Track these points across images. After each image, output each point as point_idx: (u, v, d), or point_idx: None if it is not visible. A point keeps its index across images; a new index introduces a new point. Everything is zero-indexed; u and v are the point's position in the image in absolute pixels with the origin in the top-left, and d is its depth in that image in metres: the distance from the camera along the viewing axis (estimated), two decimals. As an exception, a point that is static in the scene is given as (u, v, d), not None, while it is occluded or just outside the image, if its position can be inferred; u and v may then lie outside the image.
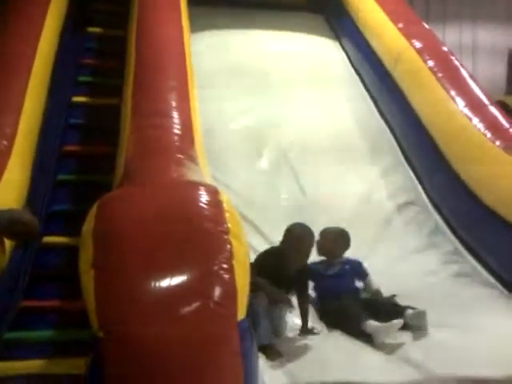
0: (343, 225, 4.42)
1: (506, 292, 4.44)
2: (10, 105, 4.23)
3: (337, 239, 4.31)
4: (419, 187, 5.61)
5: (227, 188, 4.92)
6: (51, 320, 3.89)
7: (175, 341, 2.44)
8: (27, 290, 3.99)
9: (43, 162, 4.48)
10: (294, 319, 3.87)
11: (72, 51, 6.02)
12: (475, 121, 5.02)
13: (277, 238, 4.02)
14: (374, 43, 6.57)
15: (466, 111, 5.14)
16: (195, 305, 2.49)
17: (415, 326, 3.77)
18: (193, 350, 2.44)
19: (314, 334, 3.78)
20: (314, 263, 4.24)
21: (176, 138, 4.05)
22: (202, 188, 3.08)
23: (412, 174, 5.74)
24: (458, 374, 3.24)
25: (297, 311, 3.84)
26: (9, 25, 5.06)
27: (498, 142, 4.77)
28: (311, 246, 3.91)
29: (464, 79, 5.56)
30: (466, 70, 5.73)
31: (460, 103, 5.23)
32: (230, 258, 2.69)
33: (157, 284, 2.53)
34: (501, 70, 10.68)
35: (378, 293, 4.19)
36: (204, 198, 2.97)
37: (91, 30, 6.64)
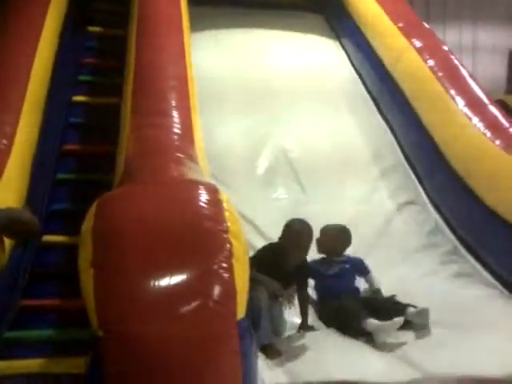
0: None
1: (506, 292, 4.43)
2: (10, 104, 4.22)
3: (338, 236, 4.30)
4: (419, 187, 5.61)
5: (227, 187, 4.91)
6: (51, 319, 3.89)
7: (175, 340, 2.44)
8: (27, 289, 3.99)
9: (43, 160, 4.48)
10: (293, 318, 3.88)
11: (72, 50, 6.02)
12: (475, 120, 5.02)
13: (276, 238, 4.02)
14: (375, 43, 6.57)
15: (466, 110, 5.14)
16: (195, 304, 2.49)
17: (418, 324, 3.77)
18: (192, 348, 2.44)
19: (313, 330, 3.78)
20: (314, 261, 4.24)
21: (176, 137, 4.05)
22: (201, 187, 3.08)
23: (412, 174, 5.74)
24: (458, 374, 3.24)
25: (296, 308, 3.84)
26: (9, 24, 5.05)
27: (497, 142, 4.76)
28: (310, 241, 3.91)
29: (464, 78, 5.56)
30: (465, 69, 5.73)
31: (460, 102, 5.23)
32: (229, 257, 2.69)
33: (156, 283, 2.53)
34: (501, 69, 10.67)
35: (378, 292, 4.19)
36: (204, 196, 2.97)
37: (91, 29, 6.64)
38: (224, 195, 3.08)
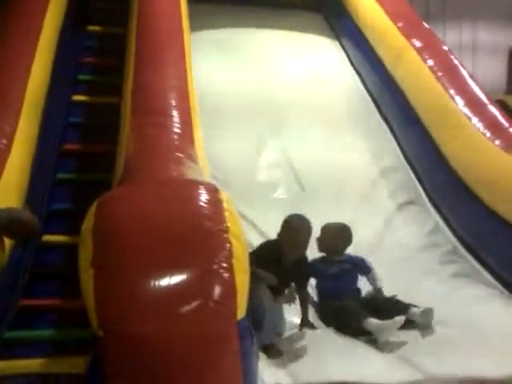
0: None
1: (506, 292, 4.44)
2: (10, 103, 4.22)
3: (339, 235, 4.29)
4: (419, 187, 5.61)
5: (227, 187, 4.91)
6: (51, 319, 3.89)
7: (175, 339, 2.44)
8: (27, 289, 3.98)
9: (43, 160, 4.48)
10: (292, 318, 3.88)
11: (72, 50, 6.01)
12: (475, 120, 5.02)
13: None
14: (374, 42, 6.57)
15: (466, 110, 5.14)
16: (195, 303, 2.49)
17: (421, 324, 3.76)
18: (192, 348, 2.44)
19: (313, 328, 3.78)
20: (314, 260, 4.24)
21: (176, 136, 4.04)
22: (201, 187, 3.07)
23: (412, 174, 5.74)
24: (459, 375, 3.23)
25: (297, 306, 3.84)
26: (9, 23, 5.05)
27: (497, 142, 4.76)
28: (309, 236, 3.90)
29: (464, 78, 5.56)
30: (465, 69, 5.73)
31: (460, 102, 5.23)
32: (229, 256, 2.69)
33: (156, 283, 2.53)
34: (501, 69, 10.68)
35: (379, 291, 4.18)
36: (204, 196, 2.96)
37: (91, 28, 6.63)
38: (224, 195, 3.07)
